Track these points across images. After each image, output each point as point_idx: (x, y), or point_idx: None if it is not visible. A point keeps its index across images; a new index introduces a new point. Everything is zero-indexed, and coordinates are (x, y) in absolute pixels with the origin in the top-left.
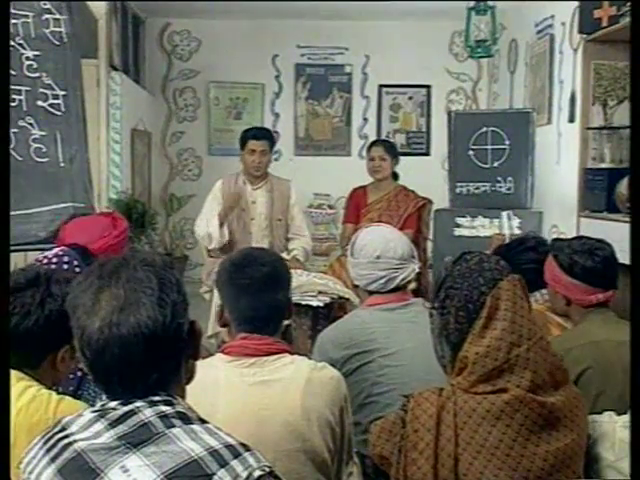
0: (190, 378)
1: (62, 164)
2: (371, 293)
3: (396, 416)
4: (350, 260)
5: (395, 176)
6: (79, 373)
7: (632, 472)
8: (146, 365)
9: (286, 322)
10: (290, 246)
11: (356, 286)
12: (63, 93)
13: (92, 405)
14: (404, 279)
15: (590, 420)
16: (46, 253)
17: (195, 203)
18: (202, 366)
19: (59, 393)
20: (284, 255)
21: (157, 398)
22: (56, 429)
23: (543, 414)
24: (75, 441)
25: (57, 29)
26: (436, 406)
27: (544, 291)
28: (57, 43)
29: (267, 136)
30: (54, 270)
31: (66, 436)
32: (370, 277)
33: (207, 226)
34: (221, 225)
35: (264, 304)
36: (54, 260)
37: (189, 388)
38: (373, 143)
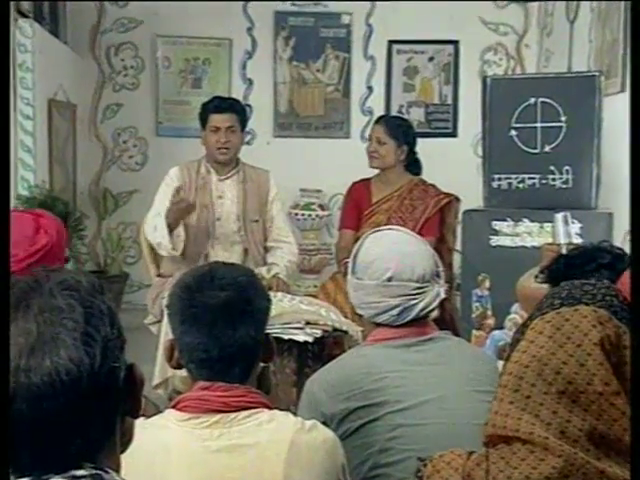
0: (127, 442)
1: None
2: (379, 325)
3: None
4: (351, 280)
5: (416, 166)
6: None
7: (632, 472)
8: (66, 426)
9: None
10: (269, 259)
11: (359, 315)
12: None
13: None
14: (425, 308)
15: None
16: None
17: (138, 201)
18: (147, 427)
19: None
20: (262, 271)
21: (81, 472)
22: None
23: None
24: None
25: None
26: (461, 473)
27: None
28: None
29: (235, 108)
30: None
31: None
32: (379, 306)
33: (155, 231)
34: (170, 232)
35: (226, 342)
36: None
37: (128, 457)
38: (376, 120)
